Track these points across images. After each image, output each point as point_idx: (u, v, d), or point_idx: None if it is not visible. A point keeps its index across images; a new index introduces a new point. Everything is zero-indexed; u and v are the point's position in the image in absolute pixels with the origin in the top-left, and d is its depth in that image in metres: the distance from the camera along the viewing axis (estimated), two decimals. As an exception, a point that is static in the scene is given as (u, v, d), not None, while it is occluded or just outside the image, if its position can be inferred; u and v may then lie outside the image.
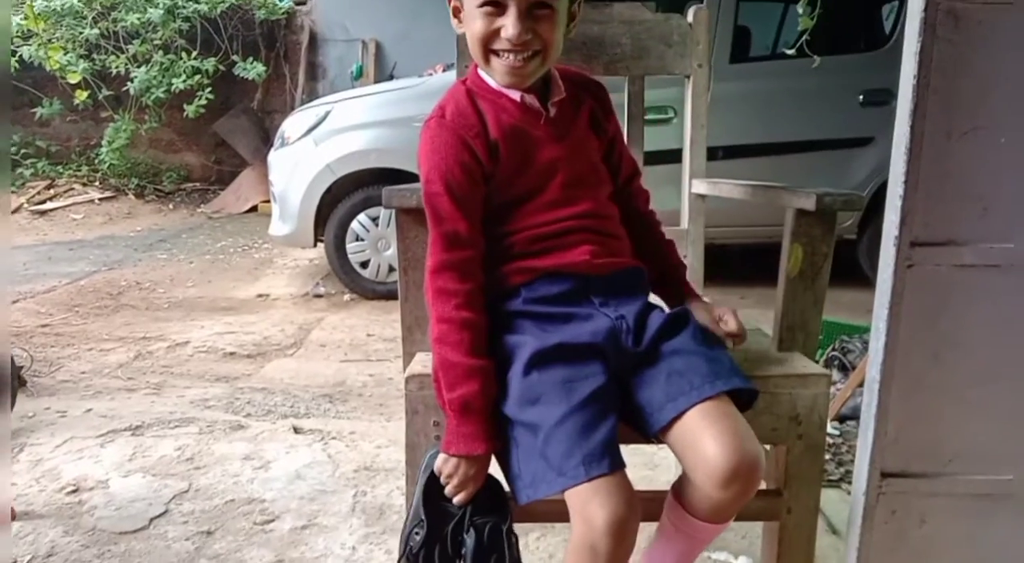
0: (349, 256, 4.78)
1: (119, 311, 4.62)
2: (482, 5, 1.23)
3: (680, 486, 1.28)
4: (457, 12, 1.32)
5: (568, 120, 1.37)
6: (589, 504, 1.12)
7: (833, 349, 3.30)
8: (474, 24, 1.26)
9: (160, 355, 3.80)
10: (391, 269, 4.73)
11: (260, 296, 4.99)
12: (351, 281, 4.85)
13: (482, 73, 1.34)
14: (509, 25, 1.22)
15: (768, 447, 1.42)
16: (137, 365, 3.64)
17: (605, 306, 1.31)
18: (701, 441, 1.17)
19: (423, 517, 1.22)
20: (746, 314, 1.51)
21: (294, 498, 2.29)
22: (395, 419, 2.84)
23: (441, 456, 1.26)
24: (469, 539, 1.18)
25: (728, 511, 1.23)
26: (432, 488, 1.25)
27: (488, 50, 1.27)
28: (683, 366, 1.24)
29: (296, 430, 2.78)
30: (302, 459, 2.55)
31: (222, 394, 3.22)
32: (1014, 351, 1.21)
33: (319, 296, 4.99)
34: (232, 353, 3.84)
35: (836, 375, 3.21)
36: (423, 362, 1.40)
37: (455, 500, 1.25)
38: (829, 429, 2.67)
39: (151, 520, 2.16)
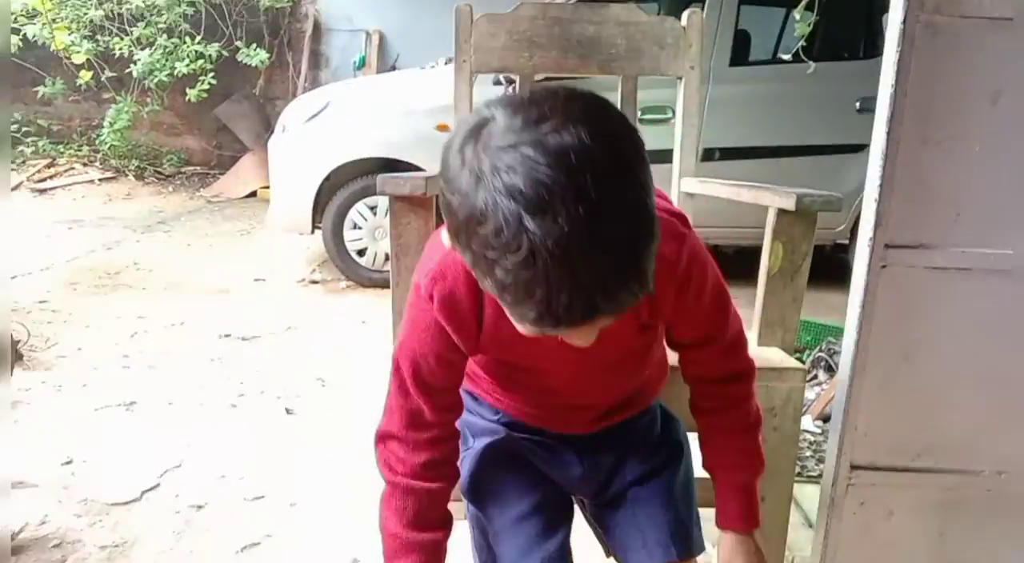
0: (346, 244, 4.83)
1: (116, 290, 4.65)
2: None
3: None
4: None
5: None
6: None
7: (820, 350, 3.36)
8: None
9: (156, 335, 3.84)
10: (387, 257, 4.77)
11: (257, 280, 5.02)
12: (347, 268, 4.89)
13: None
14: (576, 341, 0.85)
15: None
16: (133, 344, 3.68)
17: (582, 456, 1.21)
18: None
19: None
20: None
21: (284, 476, 2.34)
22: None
23: None
24: None
25: None
26: None
27: None
28: (645, 522, 1.17)
29: (288, 411, 2.83)
30: (293, 439, 2.60)
31: (216, 374, 3.27)
32: (982, 351, 1.26)
33: (315, 282, 5.03)
34: (227, 335, 3.88)
35: (822, 375, 3.27)
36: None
37: None
38: (812, 427, 2.73)
39: (143, 493, 2.21)
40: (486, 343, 1.04)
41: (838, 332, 3.42)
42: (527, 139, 0.71)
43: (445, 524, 1.12)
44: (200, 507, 2.15)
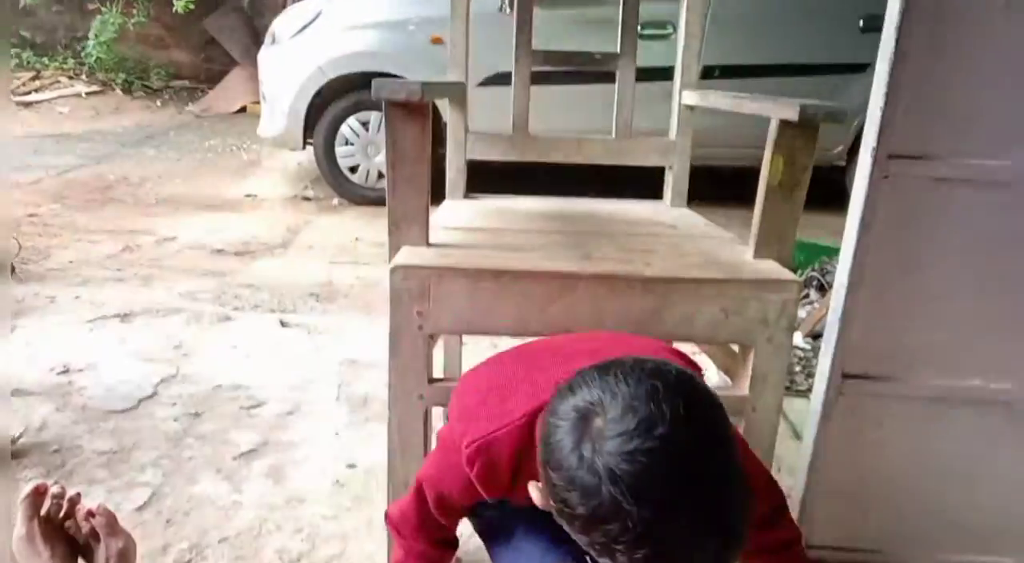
0: (338, 160, 4.77)
1: (107, 205, 4.61)
2: None
3: None
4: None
5: None
6: None
7: (813, 270, 3.38)
8: None
9: (148, 249, 3.82)
10: (380, 175, 4.73)
11: (248, 196, 4.99)
12: (340, 185, 4.85)
13: None
14: None
15: (737, 349, 1.49)
16: (125, 257, 3.67)
17: None
18: None
19: None
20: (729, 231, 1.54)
21: (280, 386, 2.36)
22: (381, 319, 2.91)
23: None
24: None
25: None
26: None
27: None
28: None
29: (283, 324, 2.84)
30: (288, 350, 2.62)
31: (210, 288, 3.27)
32: (980, 263, 1.27)
33: (307, 199, 4.99)
34: (220, 250, 3.87)
35: (814, 295, 3.30)
36: (408, 254, 1.44)
37: None
38: (802, 343, 2.76)
39: (139, 401, 2.23)
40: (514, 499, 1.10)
41: (832, 252, 3.43)
42: (643, 446, 0.76)
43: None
44: (197, 415, 2.18)
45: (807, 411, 2.27)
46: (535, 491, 0.95)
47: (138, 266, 3.54)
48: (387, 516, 1.24)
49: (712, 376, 1.70)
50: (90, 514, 1.32)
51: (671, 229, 1.83)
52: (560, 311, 1.41)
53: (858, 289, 1.25)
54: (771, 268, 1.48)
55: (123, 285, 3.25)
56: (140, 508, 1.75)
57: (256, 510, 1.77)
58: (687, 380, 0.83)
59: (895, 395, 1.31)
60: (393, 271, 1.39)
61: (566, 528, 0.85)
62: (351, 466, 1.97)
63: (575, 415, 0.82)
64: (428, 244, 1.48)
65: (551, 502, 0.85)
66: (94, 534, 1.31)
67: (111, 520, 1.32)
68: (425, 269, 1.37)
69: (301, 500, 1.82)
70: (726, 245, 1.68)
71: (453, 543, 1.25)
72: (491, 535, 1.25)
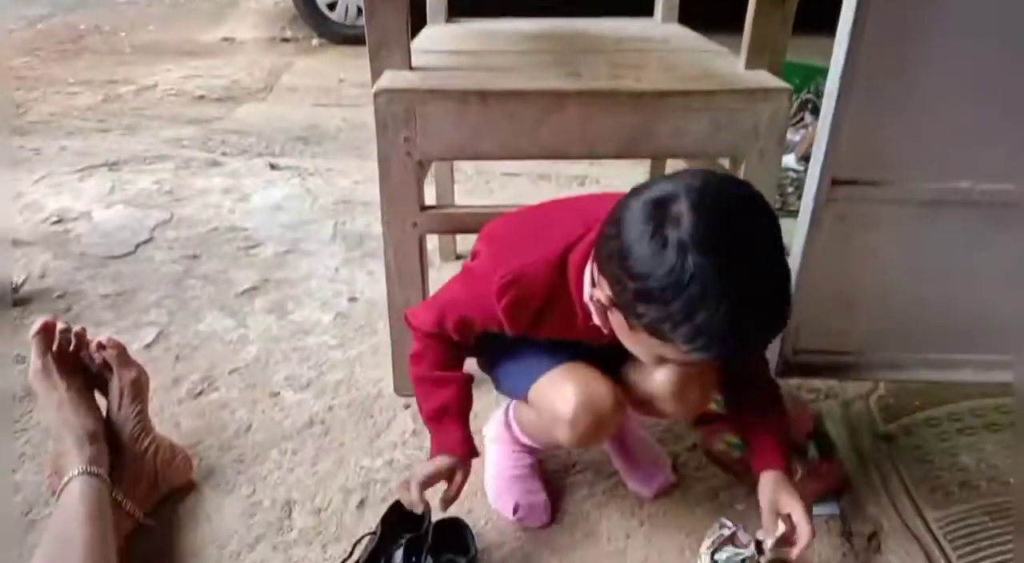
0: (315, -3, 4.58)
1: (81, 55, 4.47)
2: (665, 359, 1.01)
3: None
4: (605, 309, 1.01)
5: None
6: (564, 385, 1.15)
7: (808, 92, 3.31)
8: (651, 352, 1.02)
9: (129, 98, 3.73)
10: (359, 11, 4.55)
11: (225, 40, 4.82)
12: (318, 25, 4.68)
13: (586, 282, 1.07)
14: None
15: (727, 165, 1.49)
16: (106, 107, 3.59)
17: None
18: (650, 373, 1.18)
19: (378, 530, 1.22)
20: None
21: (276, 226, 2.37)
22: (371, 160, 2.90)
23: (426, 463, 1.22)
24: None
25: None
26: (395, 512, 1.24)
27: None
28: None
29: (273, 167, 2.82)
30: (281, 192, 2.62)
31: (195, 135, 3.22)
32: (975, 65, 1.24)
33: (286, 40, 4.83)
34: (202, 96, 3.78)
35: (808, 118, 3.25)
36: (391, 78, 1.41)
37: (441, 506, 1.22)
38: (795, 165, 2.75)
39: (137, 246, 2.25)
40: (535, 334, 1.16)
41: (827, 74, 3.36)
42: (722, 220, 0.87)
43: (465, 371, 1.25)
44: (196, 257, 2.20)
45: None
46: (593, 298, 1.01)
47: (120, 116, 3.47)
48: (406, 316, 1.27)
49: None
50: (100, 346, 1.36)
51: (662, 44, 1.78)
52: (550, 132, 1.39)
53: (849, 94, 1.23)
54: (762, 78, 1.46)
55: (108, 135, 3.20)
56: (148, 346, 1.80)
57: (263, 343, 1.82)
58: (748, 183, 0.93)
59: (884, 199, 1.32)
60: (377, 95, 1.36)
61: (632, 320, 0.93)
62: (352, 300, 2.01)
63: (651, 204, 0.89)
64: (411, 68, 1.44)
65: (616, 295, 0.93)
66: (107, 366, 1.36)
67: (122, 351, 1.37)
68: (409, 92, 1.35)
69: (306, 332, 1.87)
70: (718, 58, 1.64)
71: (465, 351, 1.27)
72: (496, 361, 1.28)
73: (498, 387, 1.32)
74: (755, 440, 1.24)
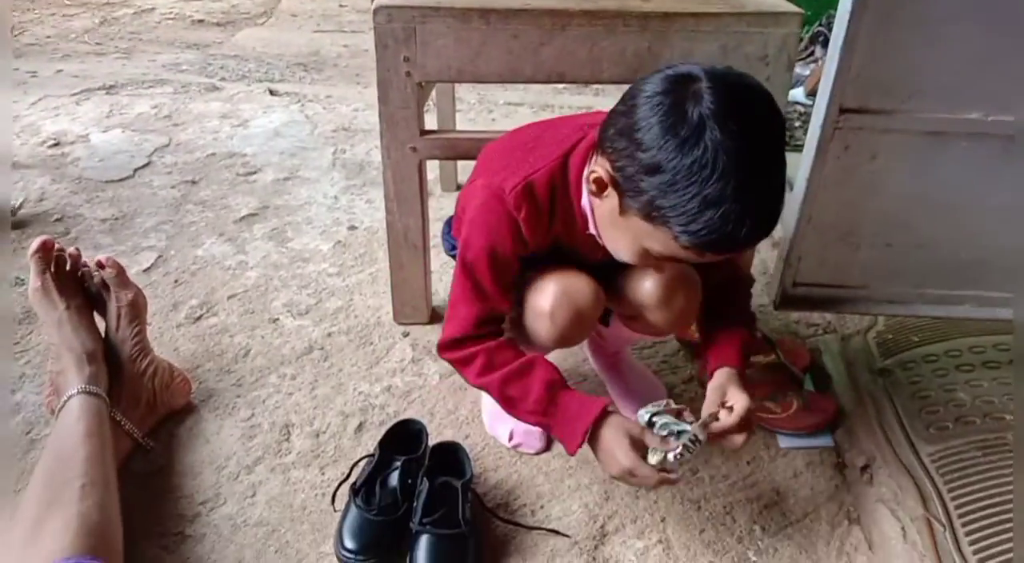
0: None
1: (76, -24, 4.36)
2: (653, 253, 0.99)
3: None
4: (602, 188, 1.00)
5: None
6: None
7: (820, 24, 3.24)
8: (631, 247, 1.02)
9: (126, 21, 3.66)
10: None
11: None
12: (321, -52, 4.55)
13: (585, 189, 1.07)
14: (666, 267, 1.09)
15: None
16: (103, 30, 3.52)
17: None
18: (638, 284, 1.18)
19: (376, 453, 1.22)
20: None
21: (275, 153, 2.35)
22: (371, 87, 2.85)
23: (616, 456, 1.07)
24: (423, 488, 1.16)
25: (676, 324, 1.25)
26: (392, 436, 1.24)
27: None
28: None
29: (272, 93, 2.78)
30: (280, 118, 2.58)
31: (194, 59, 3.16)
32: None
33: (288, -36, 4.71)
34: (201, 21, 3.71)
35: (819, 52, 3.18)
36: (394, -4, 1.37)
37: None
38: (804, 99, 2.71)
39: (135, 171, 2.23)
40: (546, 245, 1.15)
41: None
42: (742, 126, 0.86)
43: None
44: (194, 182, 2.18)
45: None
46: (590, 178, 1.00)
47: (118, 39, 3.40)
48: (440, 350, 1.19)
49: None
50: (100, 265, 1.35)
51: (670, -33, 1.72)
52: (553, 53, 1.36)
53: (860, 19, 1.20)
54: (773, 1, 1.42)
55: (105, 58, 3.14)
56: (147, 270, 1.80)
57: (262, 269, 1.82)
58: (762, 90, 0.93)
59: (892, 129, 1.29)
60: (376, 11, 1.32)
61: (628, 201, 0.94)
62: (352, 228, 2.00)
63: (671, 80, 0.90)
64: (412, -16, 1.40)
65: (619, 170, 0.93)
66: (105, 286, 1.36)
67: (120, 271, 1.36)
68: (409, 9, 1.31)
69: (305, 260, 1.86)
70: None
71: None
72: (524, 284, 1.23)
73: None
74: (717, 339, 1.20)
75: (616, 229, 1.02)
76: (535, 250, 1.15)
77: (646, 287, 1.17)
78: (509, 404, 1.13)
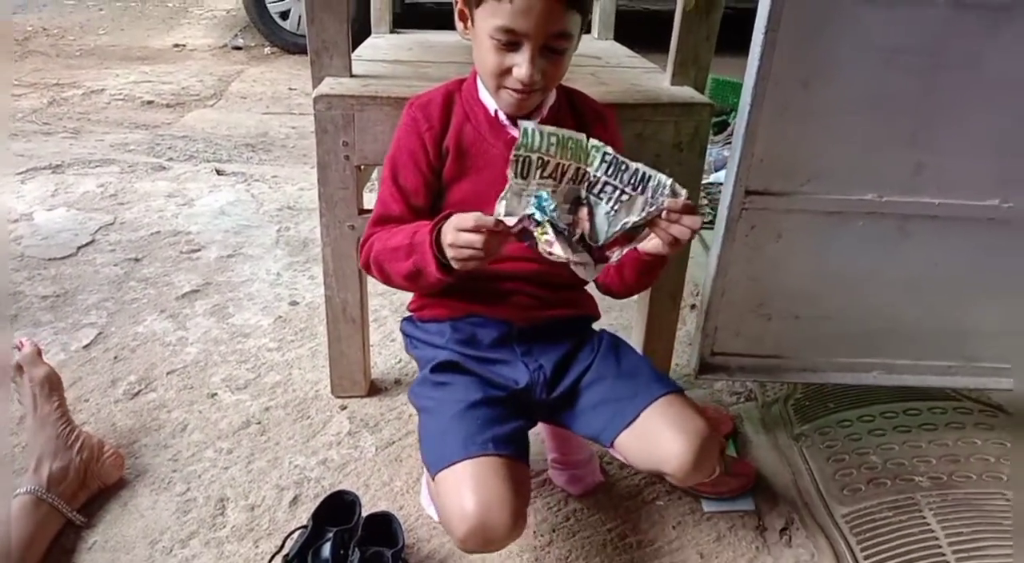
0: (268, 6, 4.60)
1: (27, 58, 4.42)
2: (495, 37, 1.09)
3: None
4: (464, 18, 1.16)
5: None
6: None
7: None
8: (485, 53, 1.12)
9: (75, 102, 3.71)
10: (313, 21, 4.57)
11: (176, 46, 4.81)
12: (271, 33, 4.70)
13: (479, 83, 1.22)
14: (522, 66, 1.10)
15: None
16: (52, 111, 3.57)
17: (527, 356, 1.26)
18: (660, 443, 1.16)
19: (309, 524, 1.24)
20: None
21: (219, 231, 2.39)
22: (317, 165, 2.93)
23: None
24: (355, 558, 1.20)
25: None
26: (326, 507, 1.28)
27: (497, 82, 1.15)
28: (601, 397, 1.23)
29: (219, 172, 2.84)
30: (226, 197, 2.63)
31: (142, 140, 3.22)
32: (877, 81, 1.32)
33: (238, 48, 4.83)
34: (150, 102, 3.77)
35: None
36: (330, 84, 1.45)
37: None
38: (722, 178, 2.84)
39: (79, 248, 2.25)
40: (440, 168, 1.23)
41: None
42: None
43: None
44: (137, 260, 2.21)
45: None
46: (457, 11, 1.16)
47: (66, 119, 3.45)
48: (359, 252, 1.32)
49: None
50: (19, 346, 1.40)
51: (595, 59, 1.85)
52: (482, 139, 1.45)
53: (761, 106, 1.30)
54: (686, 93, 1.53)
55: (52, 138, 3.18)
56: (87, 346, 1.81)
57: (202, 345, 1.84)
58: None
59: (795, 209, 1.39)
60: (317, 100, 1.40)
61: (471, 8, 1.11)
62: (293, 304, 2.04)
63: None
64: (351, 75, 1.49)
65: None
66: (19, 368, 1.39)
67: (37, 351, 1.41)
68: (348, 98, 1.40)
69: (245, 335, 1.89)
70: (647, 74, 1.71)
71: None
72: (425, 410, 1.25)
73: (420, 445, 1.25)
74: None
75: (479, 48, 1.14)
76: (443, 155, 1.22)
77: (673, 450, 1.13)
78: (390, 271, 1.18)
